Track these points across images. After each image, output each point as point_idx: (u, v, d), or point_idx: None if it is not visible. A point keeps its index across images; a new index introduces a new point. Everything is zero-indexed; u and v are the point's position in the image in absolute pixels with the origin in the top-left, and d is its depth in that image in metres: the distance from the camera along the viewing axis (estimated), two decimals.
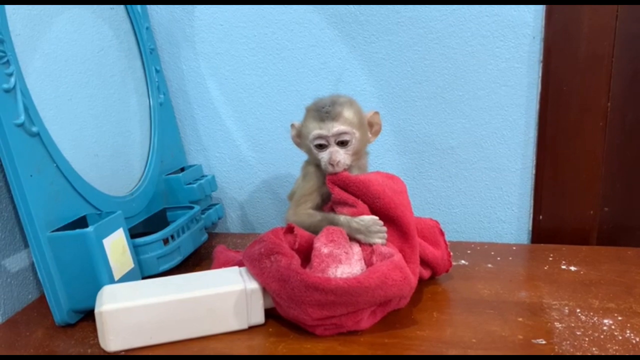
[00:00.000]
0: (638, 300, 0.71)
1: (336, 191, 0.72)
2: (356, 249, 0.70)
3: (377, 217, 0.70)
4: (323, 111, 0.72)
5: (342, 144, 0.72)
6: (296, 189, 0.80)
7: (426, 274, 0.76)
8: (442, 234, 0.79)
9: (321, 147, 0.73)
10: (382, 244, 0.69)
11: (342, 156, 0.72)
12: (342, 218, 0.71)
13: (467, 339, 0.63)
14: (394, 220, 0.71)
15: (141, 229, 0.88)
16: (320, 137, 0.72)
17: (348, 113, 0.72)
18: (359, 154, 0.75)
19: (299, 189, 0.78)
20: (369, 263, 0.68)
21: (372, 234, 0.70)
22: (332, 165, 0.72)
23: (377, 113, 0.77)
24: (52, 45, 0.78)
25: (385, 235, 0.70)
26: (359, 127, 0.73)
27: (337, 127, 0.71)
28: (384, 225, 0.71)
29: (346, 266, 0.66)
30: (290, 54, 1.01)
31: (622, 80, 0.90)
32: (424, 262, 0.75)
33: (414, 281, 0.67)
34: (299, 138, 0.78)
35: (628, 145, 0.93)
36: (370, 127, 0.77)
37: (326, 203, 0.76)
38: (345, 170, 0.73)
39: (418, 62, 0.96)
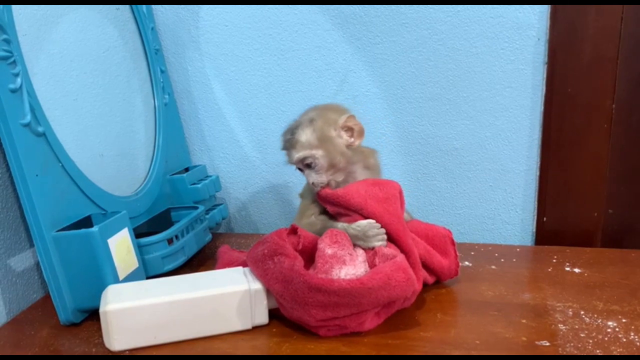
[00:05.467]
0: None
1: (328, 206, 0.74)
2: (360, 250, 0.70)
3: (373, 221, 0.70)
4: (284, 141, 0.75)
5: (308, 166, 0.74)
6: (303, 192, 0.81)
7: (431, 279, 0.76)
8: (453, 243, 0.78)
9: (301, 170, 0.76)
10: (383, 246, 0.70)
11: (314, 177, 0.74)
12: (339, 225, 0.72)
13: (471, 340, 0.63)
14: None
15: (145, 229, 0.89)
16: (290, 164, 0.76)
17: (304, 136, 0.73)
18: (337, 166, 0.73)
19: (304, 198, 0.80)
20: (372, 265, 0.68)
21: (370, 238, 0.70)
22: (313, 186, 0.74)
23: (351, 116, 0.74)
24: (58, 46, 0.78)
25: (384, 236, 0.70)
26: (319, 145, 0.73)
27: (296, 155, 0.74)
28: None
29: (350, 267, 0.66)
30: (294, 54, 1.01)
31: (627, 82, 0.90)
32: (429, 270, 0.75)
33: (418, 284, 0.67)
34: None
35: (633, 147, 0.93)
36: (350, 131, 0.74)
37: None
38: (325, 187, 0.74)
39: (422, 64, 0.96)
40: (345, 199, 0.71)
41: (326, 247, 0.68)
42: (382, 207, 0.71)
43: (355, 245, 0.70)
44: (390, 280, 0.63)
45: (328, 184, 0.74)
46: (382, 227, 0.70)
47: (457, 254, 0.78)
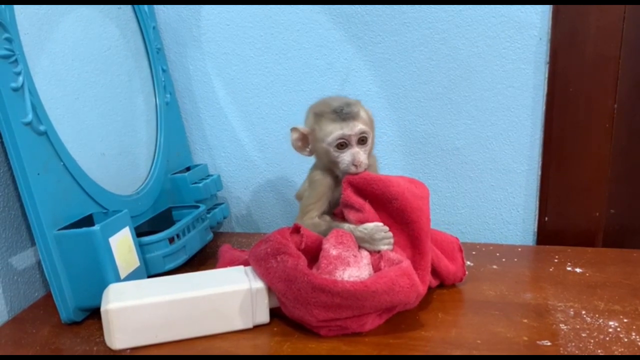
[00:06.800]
0: None
1: (347, 193, 0.72)
2: (365, 252, 0.69)
3: (381, 224, 0.70)
4: (343, 112, 0.72)
5: (362, 142, 0.73)
6: (302, 192, 0.80)
7: (434, 282, 0.75)
8: (461, 250, 0.79)
9: (341, 147, 0.72)
10: (389, 250, 0.69)
11: (363, 156, 0.72)
12: (345, 227, 0.71)
13: (472, 340, 0.63)
14: (407, 224, 0.70)
15: (147, 228, 0.89)
16: (342, 137, 0.72)
17: (363, 112, 0.74)
18: (370, 153, 0.76)
19: (305, 197, 0.78)
20: (376, 268, 0.67)
21: (376, 242, 0.69)
22: (355, 166, 0.72)
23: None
24: (60, 45, 0.78)
25: (391, 240, 0.70)
26: (370, 126, 0.74)
27: (359, 126, 0.72)
28: (397, 228, 0.70)
29: (354, 269, 0.66)
30: (296, 54, 1.01)
31: (628, 81, 0.90)
32: (436, 273, 0.74)
33: (422, 289, 0.66)
34: (301, 142, 0.77)
35: (634, 146, 0.93)
36: None
37: (335, 207, 0.76)
38: (366, 169, 0.73)
39: (424, 63, 0.96)
40: (384, 184, 0.70)
41: (331, 248, 0.68)
42: (417, 203, 0.71)
43: (360, 248, 0.70)
44: (395, 286, 0.63)
45: (367, 169, 0.74)
46: (410, 222, 0.70)
47: (465, 260, 0.78)
